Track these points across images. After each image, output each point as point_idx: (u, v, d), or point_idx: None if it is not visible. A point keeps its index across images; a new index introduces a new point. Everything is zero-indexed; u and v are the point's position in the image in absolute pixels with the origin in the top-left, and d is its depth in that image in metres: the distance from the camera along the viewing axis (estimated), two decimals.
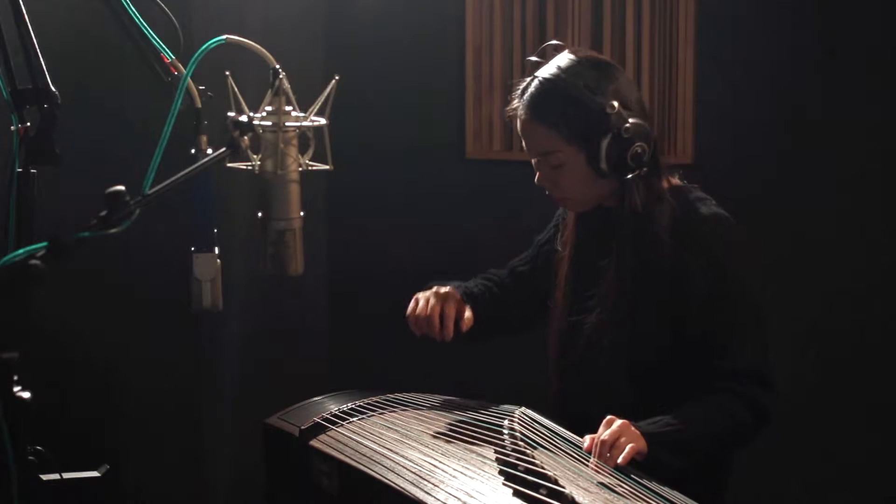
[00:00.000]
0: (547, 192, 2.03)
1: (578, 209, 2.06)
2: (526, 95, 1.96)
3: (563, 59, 1.95)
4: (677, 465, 1.77)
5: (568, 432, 1.81)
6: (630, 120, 1.89)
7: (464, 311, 2.06)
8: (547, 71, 1.95)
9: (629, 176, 1.93)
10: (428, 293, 2.05)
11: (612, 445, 1.71)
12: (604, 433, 1.73)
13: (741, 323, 1.92)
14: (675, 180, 2.03)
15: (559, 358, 2.09)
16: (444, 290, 2.06)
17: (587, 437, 1.77)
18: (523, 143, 2.01)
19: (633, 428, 1.75)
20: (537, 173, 2.01)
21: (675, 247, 1.93)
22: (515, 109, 1.99)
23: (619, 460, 1.69)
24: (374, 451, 1.76)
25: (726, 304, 1.91)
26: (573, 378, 2.07)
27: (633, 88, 1.99)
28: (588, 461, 1.72)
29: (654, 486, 1.63)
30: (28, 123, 1.52)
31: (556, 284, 2.12)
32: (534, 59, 2.01)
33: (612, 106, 1.89)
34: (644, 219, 1.95)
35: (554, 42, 2.05)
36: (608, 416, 1.77)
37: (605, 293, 1.98)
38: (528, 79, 1.98)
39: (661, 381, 1.94)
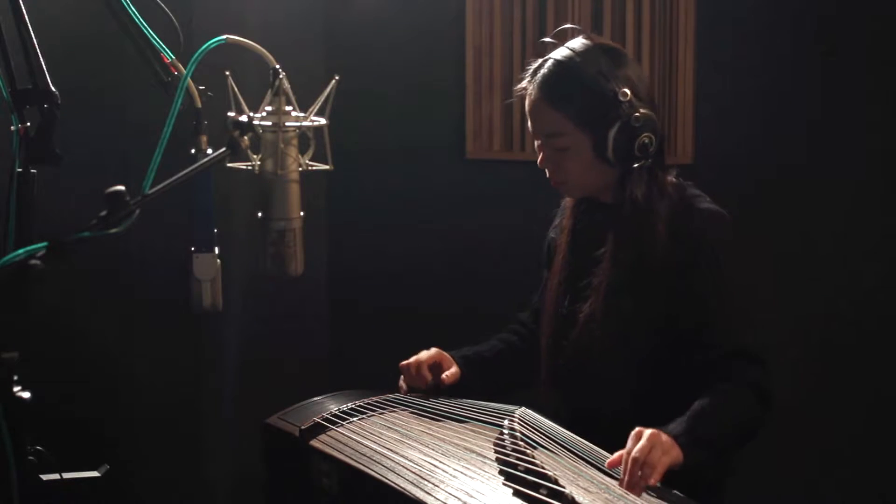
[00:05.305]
0: (547, 176, 2.01)
1: (575, 195, 2.04)
2: (539, 76, 1.94)
3: (578, 43, 1.94)
4: (711, 462, 1.74)
5: (568, 432, 1.80)
6: (641, 110, 1.89)
7: (449, 367, 2.10)
8: (561, 53, 1.94)
9: (634, 166, 1.92)
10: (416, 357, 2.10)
11: (643, 463, 1.61)
12: (634, 449, 1.62)
13: (733, 312, 1.90)
14: (672, 178, 2.03)
15: (551, 346, 2.07)
16: (428, 353, 2.10)
17: (616, 455, 1.65)
18: (529, 124, 1.99)
19: (664, 437, 1.66)
20: (540, 154, 1.99)
21: (670, 242, 1.92)
22: (525, 88, 1.97)
23: (652, 481, 1.60)
24: (374, 451, 1.75)
25: (719, 298, 1.90)
26: (565, 367, 2.04)
27: (644, 79, 1.98)
28: (590, 460, 1.71)
29: (654, 486, 1.63)
30: (28, 123, 1.51)
31: (552, 272, 2.11)
32: (549, 39, 2.00)
33: (625, 94, 1.88)
34: (643, 212, 1.94)
35: (572, 25, 2.04)
36: (637, 428, 1.66)
37: (598, 283, 1.97)
38: (542, 59, 1.96)
39: (654, 372, 1.93)
